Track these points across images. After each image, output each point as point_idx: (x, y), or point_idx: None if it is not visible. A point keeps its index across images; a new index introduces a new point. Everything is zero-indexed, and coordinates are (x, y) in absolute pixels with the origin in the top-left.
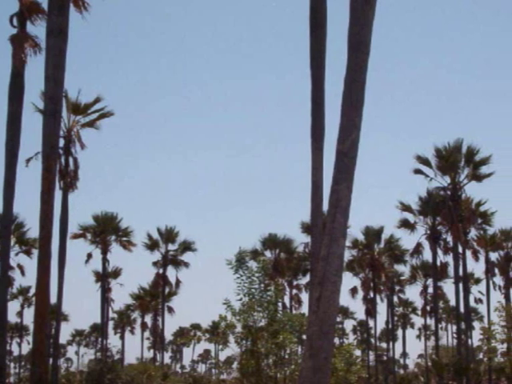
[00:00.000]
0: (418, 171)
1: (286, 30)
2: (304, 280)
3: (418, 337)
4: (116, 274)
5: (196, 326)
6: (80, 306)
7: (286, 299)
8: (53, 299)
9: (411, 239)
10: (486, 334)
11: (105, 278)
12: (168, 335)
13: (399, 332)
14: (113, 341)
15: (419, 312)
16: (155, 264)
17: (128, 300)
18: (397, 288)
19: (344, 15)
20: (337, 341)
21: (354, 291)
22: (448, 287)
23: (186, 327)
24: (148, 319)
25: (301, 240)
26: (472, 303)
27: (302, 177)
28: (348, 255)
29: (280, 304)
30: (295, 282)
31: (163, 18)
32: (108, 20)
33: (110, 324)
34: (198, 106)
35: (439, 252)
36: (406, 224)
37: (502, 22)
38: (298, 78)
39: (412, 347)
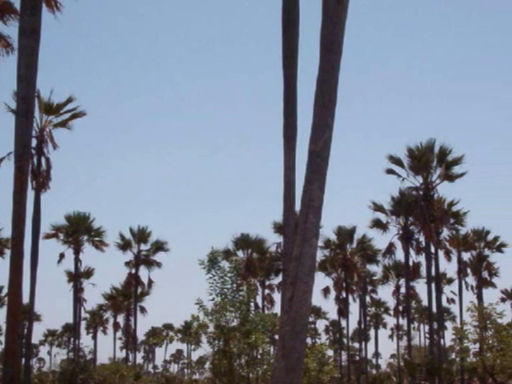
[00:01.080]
0: (390, 171)
1: (259, 29)
2: (276, 280)
3: (391, 337)
4: (88, 273)
5: (168, 326)
6: (52, 306)
7: (259, 299)
8: (25, 299)
9: (383, 239)
10: (459, 333)
11: (77, 277)
12: (140, 335)
13: (371, 332)
14: (85, 341)
15: (391, 312)
16: (127, 264)
17: (100, 300)
18: (369, 288)
19: (317, 15)
20: (309, 341)
21: (326, 291)
22: (420, 287)
23: (159, 327)
24: (120, 319)
25: (273, 240)
26: (444, 303)
27: (275, 177)
28: (320, 255)
29: (252, 304)
30: (267, 282)
31: (136, 18)
32: (81, 20)
33: (83, 324)
34: (170, 105)
35: (411, 252)
36: (378, 224)
37: (473, 22)
38: (270, 77)
39: (384, 347)
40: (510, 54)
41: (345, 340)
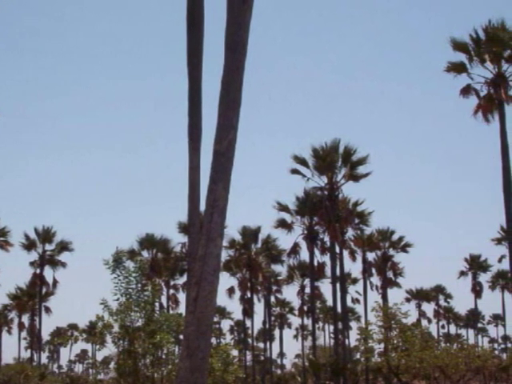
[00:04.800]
0: (295, 171)
1: (165, 29)
2: (181, 280)
3: (296, 337)
4: None
5: (73, 326)
6: None
7: (163, 299)
8: None
9: (288, 239)
10: (363, 334)
11: None
12: (45, 335)
13: (276, 332)
14: None
15: (296, 312)
16: (32, 264)
17: (5, 300)
18: (274, 288)
19: (223, 15)
20: (214, 341)
21: (231, 291)
22: (325, 287)
23: (63, 327)
24: (25, 319)
25: (178, 240)
26: (349, 303)
27: (180, 176)
28: (225, 255)
29: (157, 304)
30: (172, 282)
31: (45, 18)
32: None
33: None
34: (77, 105)
35: (316, 252)
36: (283, 224)
37: (378, 22)
38: (176, 77)
39: (289, 347)
40: (413, 54)
41: (249, 340)
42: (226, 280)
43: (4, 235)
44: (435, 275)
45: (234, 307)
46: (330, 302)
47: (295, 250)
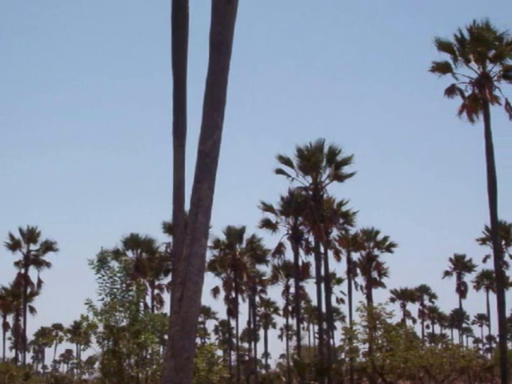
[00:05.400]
0: (279, 171)
1: (149, 29)
2: (166, 280)
3: (280, 337)
4: None
5: (58, 326)
6: None
7: (148, 299)
8: None
9: (273, 239)
10: (348, 334)
11: None
12: (30, 335)
13: (261, 332)
14: None
15: (281, 312)
16: (17, 264)
17: None
18: (259, 288)
19: (208, 15)
20: (199, 341)
21: (215, 291)
22: (310, 287)
23: (48, 327)
24: (10, 319)
25: (163, 240)
26: (334, 303)
27: (164, 176)
28: (210, 255)
29: (142, 304)
30: (157, 282)
31: (30, 17)
32: None
33: None
34: (62, 105)
35: (301, 252)
36: (267, 224)
37: (363, 23)
38: (162, 77)
39: (274, 347)
40: (398, 54)
41: (234, 340)
42: (210, 280)
43: None
44: (420, 275)
45: (219, 307)
46: (314, 302)
47: (280, 249)
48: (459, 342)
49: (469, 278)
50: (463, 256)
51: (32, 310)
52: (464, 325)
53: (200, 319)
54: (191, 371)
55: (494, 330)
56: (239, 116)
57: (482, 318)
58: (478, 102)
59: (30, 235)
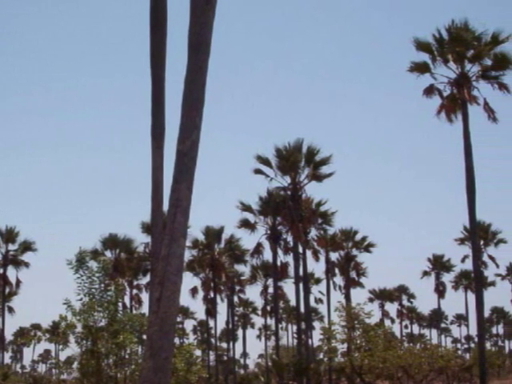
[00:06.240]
0: (258, 171)
1: (128, 28)
2: (144, 280)
3: (259, 337)
4: None
5: (36, 326)
6: None
7: (127, 299)
8: None
9: (251, 239)
10: (327, 334)
11: None
12: (8, 335)
13: (240, 332)
14: None
15: (259, 312)
16: None
17: None
18: (237, 288)
19: (186, 15)
20: (177, 341)
21: (194, 291)
22: (288, 287)
23: (27, 327)
24: None
25: (141, 240)
26: (312, 303)
27: (143, 177)
28: (188, 255)
29: (120, 304)
30: (135, 282)
31: (11, 17)
32: None
33: None
34: (39, 105)
35: (279, 252)
36: (246, 224)
37: (341, 23)
38: (139, 77)
39: (252, 347)
40: (376, 54)
41: (213, 340)
42: (189, 280)
43: None
44: (398, 275)
45: (197, 307)
46: (293, 302)
47: (258, 249)
48: (438, 341)
49: (447, 278)
50: (442, 256)
51: (10, 310)
52: (442, 325)
53: (178, 319)
54: (170, 371)
55: (473, 330)
56: (218, 116)
57: (461, 318)
58: (456, 102)
59: (9, 235)
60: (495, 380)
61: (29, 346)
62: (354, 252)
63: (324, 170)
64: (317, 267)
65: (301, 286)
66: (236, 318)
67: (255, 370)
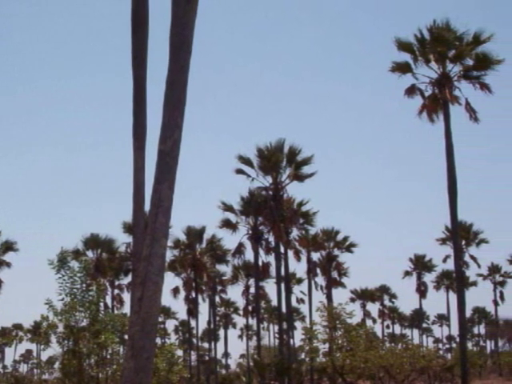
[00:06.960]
0: (239, 171)
1: (109, 28)
2: (126, 280)
3: (240, 337)
4: None
5: (18, 326)
6: None
7: (108, 299)
8: None
9: (233, 239)
10: (308, 334)
11: None
12: None
13: (221, 332)
14: None
15: (241, 312)
16: None
17: None
18: (219, 288)
19: (168, 15)
20: (159, 341)
21: (175, 291)
22: (270, 287)
23: (8, 327)
24: None
25: (123, 240)
26: (294, 303)
27: (124, 176)
28: (170, 255)
29: (102, 304)
30: (117, 282)
31: None
32: None
33: None
34: (20, 105)
35: (261, 252)
36: (227, 224)
37: (323, 23)
38: (120, 76)
39: (234, 347)
40: (358, 54)
41: (194, 340)
42: (170, 280)
43: None
44: (380, 275)
45: (179, 307)
46: (274, 302)
47: (240, 250)
48: (419, 342)
49: (429, 278)
50: (423, 256)
51: None
52: (424, 325)
53: (160, 319)
54: (151, 371)
55: (454, 330)
56: (200, 116)
57: (442, 318)
58: (438, 102)
59: None
60: (477, 380)
61: (10, 345)
62: (336, 252)
63: (306, 169)
64: (298, 267)
65: (282, 286)
66: (218, 318)
67: (237, 370)
